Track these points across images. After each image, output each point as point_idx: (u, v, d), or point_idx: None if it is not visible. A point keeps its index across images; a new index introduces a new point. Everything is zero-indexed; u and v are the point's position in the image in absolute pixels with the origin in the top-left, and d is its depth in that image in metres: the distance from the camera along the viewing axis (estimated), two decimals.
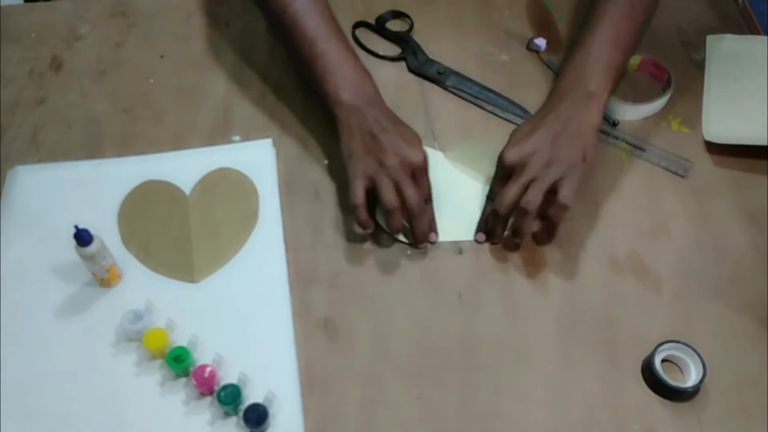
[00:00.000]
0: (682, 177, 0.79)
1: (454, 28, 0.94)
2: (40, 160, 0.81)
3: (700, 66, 0.89)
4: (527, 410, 0.66)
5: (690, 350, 0.66)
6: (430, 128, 0.84)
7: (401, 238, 0.75)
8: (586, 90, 0.75)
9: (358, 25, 0.93)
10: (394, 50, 0.92)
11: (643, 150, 0.79)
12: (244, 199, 0.78)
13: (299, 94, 0.86)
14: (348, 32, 0.91)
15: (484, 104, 0.84)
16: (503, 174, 0.74)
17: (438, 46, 0.91)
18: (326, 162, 0.81)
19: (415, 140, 0.74)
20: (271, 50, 0.91)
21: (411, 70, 0.89)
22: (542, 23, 0.94)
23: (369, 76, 0.77)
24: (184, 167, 0.80)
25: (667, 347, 0.67)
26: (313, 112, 0.85)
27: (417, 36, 0.92)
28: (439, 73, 0.87)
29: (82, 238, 0.65)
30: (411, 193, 0.71)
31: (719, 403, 0.66)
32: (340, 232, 0.76)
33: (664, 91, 0.86)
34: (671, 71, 0.86)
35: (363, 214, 0.72)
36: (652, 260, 0.74)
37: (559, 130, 0.72)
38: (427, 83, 0.88)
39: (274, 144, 0.82)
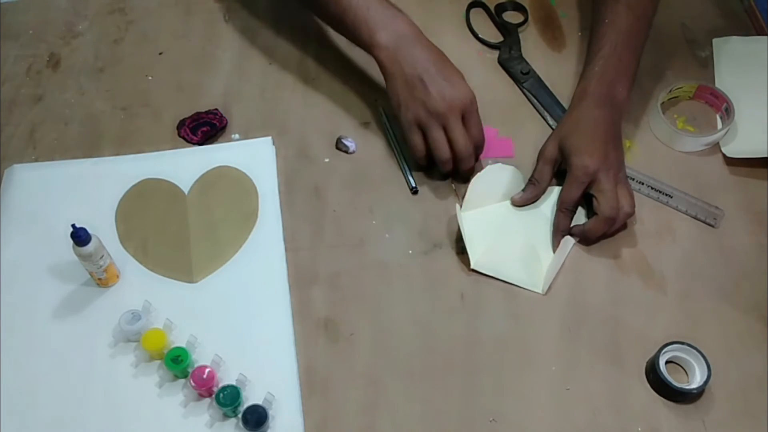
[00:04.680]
0: (712, 226, 0.76)
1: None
2: (37, 159, 0.81)
3: (704, 63, 0.88)
4: (530, 412, 0.65)
5: (695, 352, 0.66)
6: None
7: None
8: (618, 98, 0.76)
9: (474, 5, 0.94)
10: (497, 37, 0.92)
11: (670, 197, 0.77)
12: (243, 197, 0.77)
13: (299, 92, 0.86)
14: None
15: (548, 117, 0.83)
16: (545, 164, 0.76)
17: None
18: (326, 161, 0.80)
19: (460, 79, 0.74)
20: (271, 47, 0.90)
21: (500, 61, 0.89)
22: (545, 20, 0.93)
23: (402, 13, 0.76)
24: (182, 165, 0.79)
25: (672, 348, 0.66)
26: (314, 110, 0.84)
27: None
28: (522, 73, 0.87)
29: (80, 237, 0.65)
30: (459, 137, 0.73)
31: (724, 405, 0.65)
32: (340, 232, 0.75)
33: (721, 119, 0.83)
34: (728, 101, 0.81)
35: (424, 161, 0.76)
36: (657, 261, 0.74)
37: (608, 139, 0.74)
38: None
39: (274, 142, 0.82)
